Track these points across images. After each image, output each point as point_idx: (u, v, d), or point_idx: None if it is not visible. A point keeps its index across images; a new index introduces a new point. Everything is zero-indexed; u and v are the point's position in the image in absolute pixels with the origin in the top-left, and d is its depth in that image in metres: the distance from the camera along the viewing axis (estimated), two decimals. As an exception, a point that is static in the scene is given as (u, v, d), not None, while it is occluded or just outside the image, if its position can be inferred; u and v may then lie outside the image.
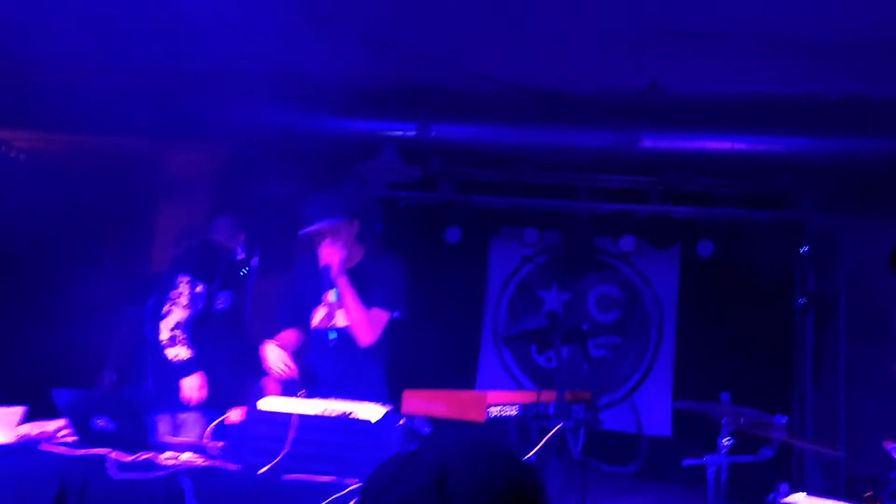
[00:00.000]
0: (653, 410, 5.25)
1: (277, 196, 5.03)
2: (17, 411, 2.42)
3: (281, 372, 2.83)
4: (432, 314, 5.19)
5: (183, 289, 3.64)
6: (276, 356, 2.87)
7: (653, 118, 3.97)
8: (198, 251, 3.90)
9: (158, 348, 3.59)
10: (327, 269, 2.90)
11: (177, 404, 3.57)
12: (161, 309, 3.63)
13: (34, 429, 2.51)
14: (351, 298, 2.91)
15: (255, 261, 5.29)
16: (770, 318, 5.01)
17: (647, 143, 4.04)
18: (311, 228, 2.96)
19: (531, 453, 2.20)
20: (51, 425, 2.58)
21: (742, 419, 2.60)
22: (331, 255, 2.91)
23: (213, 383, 3.64)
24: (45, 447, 2.32)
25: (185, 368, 3.56)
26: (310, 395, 2.40)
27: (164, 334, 3.57)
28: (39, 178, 5.40)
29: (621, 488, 4.33)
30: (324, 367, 2.99)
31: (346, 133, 4.65)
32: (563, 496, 2.52)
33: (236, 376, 3.89)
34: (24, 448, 2.32)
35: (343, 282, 2.90)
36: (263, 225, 5.24)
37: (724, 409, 2.66)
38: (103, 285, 4.71)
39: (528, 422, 2.38)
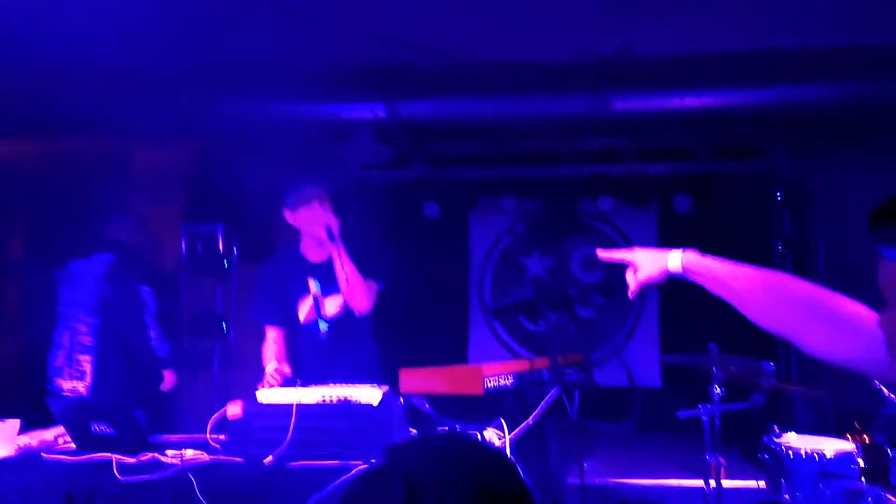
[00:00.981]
0: (642, 364, 5.36)
1: (250, 186, 5.00)
2: (14, 423, 2.41)
3: (274, 384, 2.82)
4: (417, 290, 5.22)
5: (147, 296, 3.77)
6: (271, 369, 2.84)
7: (622, 80, 3.99)
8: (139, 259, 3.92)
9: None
10: (329, 230, 2.84)
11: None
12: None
13: (33, 439, 2.51)
14: (348, 263, 2.85)
15: (235, 252, 5.30)
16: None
17: (619, 104, 4.06)
18: (301, 193, 2.95)
19: (529, 419, 2.25)
20: (49, 434, 2.58)
21: (732, 368, 2.67)
22: (327, 217, 2.87)
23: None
24: (46, 456, 2.32)
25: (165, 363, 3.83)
26: (306, 383, 2.41)
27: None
28: (11, 187, 5.30)
29: (619, 443, 4.43)
30: (316, 360, 2.94)
31: (313, 118, 4.60)
32: (563, 457, 2.58)
33: None
34: (27, 459, 2.32)
35: (341, 246, 2.85)
36: (239, 216, 5.22)
37: (713, 359, 2.72)
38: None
39: (525, 389, 2.42)
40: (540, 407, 2.28)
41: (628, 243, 5.67)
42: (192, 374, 5.12)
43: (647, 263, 1.53)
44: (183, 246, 5.22)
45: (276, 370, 2.83)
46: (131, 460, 2.19)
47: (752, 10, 3.52)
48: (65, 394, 3.58)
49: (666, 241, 5.58)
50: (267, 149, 4.85)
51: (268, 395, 2.39)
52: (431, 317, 5.00)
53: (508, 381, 2.33)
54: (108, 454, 2.22)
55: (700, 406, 2.67)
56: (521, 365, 2.44)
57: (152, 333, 3.71)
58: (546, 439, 2.35)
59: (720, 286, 1.36)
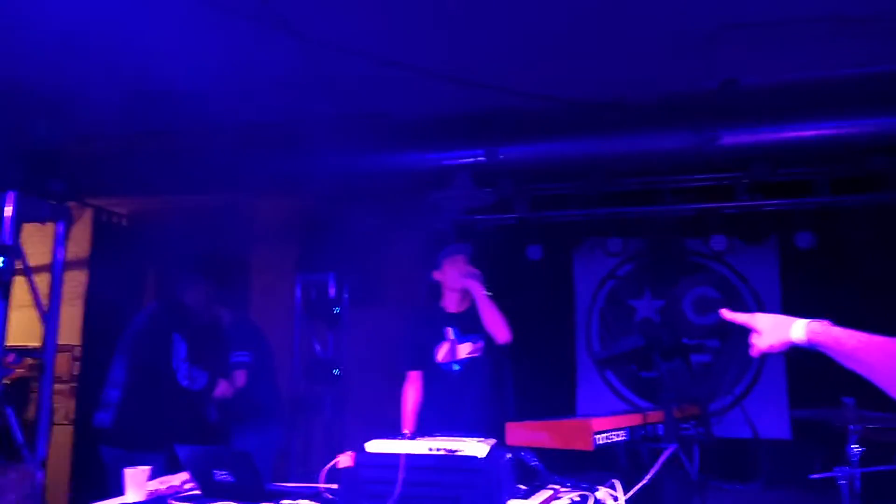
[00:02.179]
0: (767, 414, 5.00)
1: (358, 235, 5.18)
2: (146, 470, 2.56)
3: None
4: (522, 334, 5.15)
5: None
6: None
7: (730, 113, 3.83)
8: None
9: None
10: (476, 275, 3.43)
11: None
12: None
13: (163, 484, 2.66)
14: (490, 303, 3.41)
15: (345, 297, 5.48)
16: (888, 307, 4.68)
17: (728, 139, 3.90)
18: (445, 252, 3.63)
19: (645, 478, 2.14)
20: (176, 479, 2.73)
21: (870, 425, 2.43)
22: (473, 269, 3.46)
23: None
24: (172, 503, 2.45)
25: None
26: (415, 435, 2.42)
27: None
28: (141, 240, 5.77)
29: (744, 500, 4.12)
30: (448, 395, 3.43)
31: (415, 167, 4.73)
32: (683, 518, 2.43)
33: None
34: (156, 505, 2.46)
35: (481, 287, 3.43)
36: (348, 264, 5.41)
37: (849, 414, 2.49)
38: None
39: (638, 445, 2.32)
40: (656, 464, 2.17)
41: (745, 283, 5.35)
42: (306, 419, 5.29)
43: (769, 331, 1.48)
44: (297, 294, 5.46)
45: None
46: (250, 509, 2.27)
47: (866, 32, 3.30)
48: (96, 424, 4.07)
49: (789, 279, 5.24)
50: (372, 198, 5.02)
51: (376, 445, 2.42)
52: (537, 363, 4.91)
53: (620, 437, 2.24)
54: (229, 502, 2.31)
55: (836, 469, 2.44)
56: (634, 419, 2.35)
57: (182, 373, 4.14)
58: (664, 500, 2.23)
59: (849, 359, 1.29)
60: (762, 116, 3.85)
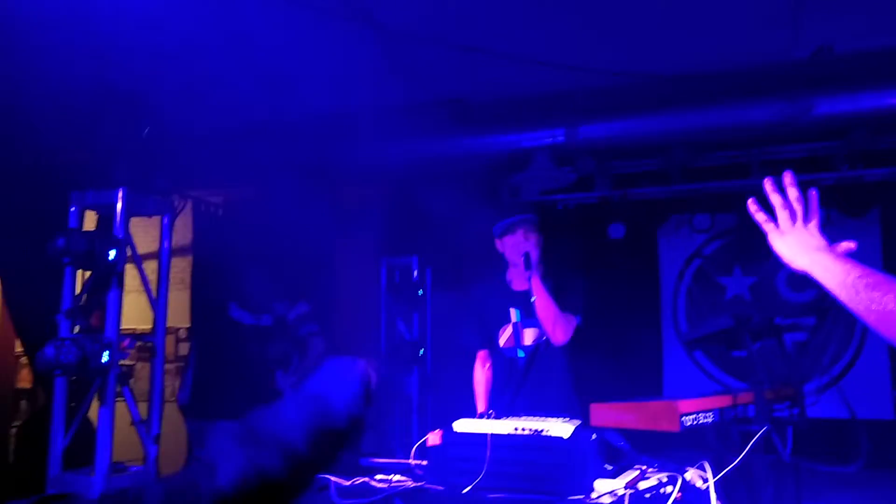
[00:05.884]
0: (869, 394, 4.76)
1: (439, 219, 5.24)
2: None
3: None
4: (606, 315, 5.11)
5: None
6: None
7: (825, 81, 3.64)
8: None
9: None
10: (528, 257, 2.93)
11: None
12: None
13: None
14: (544, 294, 2.93)
15: (428, 280, 5.58)
16: None
17: (823, 108, 3.71)
18: (507, 221, 3.11)
19: (735, 461, 2.11)
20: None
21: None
22: (530, 245, 2.99)
23: None
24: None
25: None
26: (499, 415, 2.48)
27: None
28: (235, 227, 6.07)
29: (843, 485, 3.95)
30: (510, 385, 3.07)
31: (494, 148, 4.75)
32: (777, 501, 2.38)
33: None
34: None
35: (537, 276, 2.94)
36: (431, 247, 5.50)
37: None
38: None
39: (728, 427, 2.28)
40: (746, 448, 2.14)
41: (846, 257, 5.09)
42: (394, 399, 5.45)
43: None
44: (382, 277, 5.61)
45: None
46: (346, 483, 2.40)
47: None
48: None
49: (892, 253, 4.93)
50: (453, 182, 5.07)
51: (463, 424, 2.49)
52: (622, 343, 4.86)
53: (708, 419, 2.22)
54: (328, 476, 2.44)
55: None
56: (723, 400, 2.31)
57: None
58: (755, 483, 2.19)
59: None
60: (860, 83, 3.64)
